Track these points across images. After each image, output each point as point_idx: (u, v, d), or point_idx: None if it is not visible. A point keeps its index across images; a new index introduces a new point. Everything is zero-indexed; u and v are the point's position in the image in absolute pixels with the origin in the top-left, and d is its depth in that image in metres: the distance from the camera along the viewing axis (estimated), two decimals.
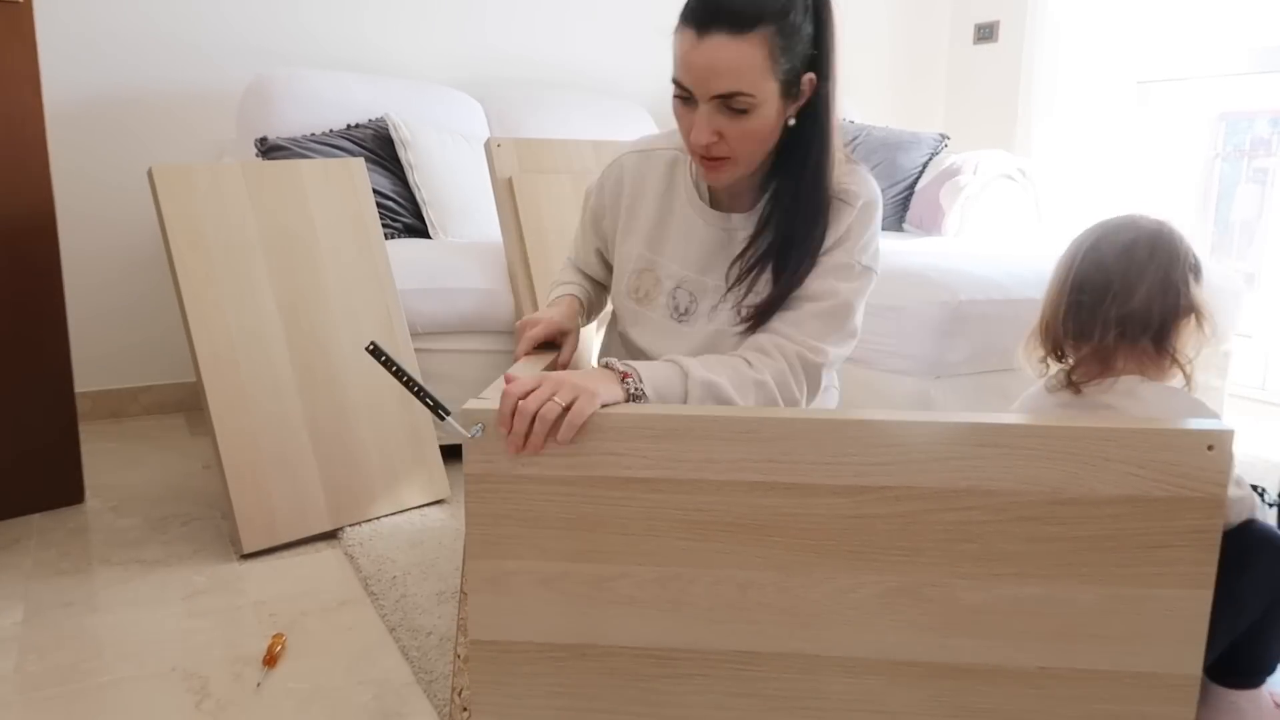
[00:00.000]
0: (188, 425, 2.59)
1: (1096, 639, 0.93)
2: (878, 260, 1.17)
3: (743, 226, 1.17)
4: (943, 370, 1.92)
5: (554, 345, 1.24)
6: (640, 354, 1.25)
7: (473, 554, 0.96)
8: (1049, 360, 1.20)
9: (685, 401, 1.02)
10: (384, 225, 2.32)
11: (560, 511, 0.94)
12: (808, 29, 1.04)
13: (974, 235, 2.89)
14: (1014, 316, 1.90)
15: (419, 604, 1.52)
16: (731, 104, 1.03)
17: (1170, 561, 0.91)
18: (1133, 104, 3.26)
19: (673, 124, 1.15)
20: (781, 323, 1.12)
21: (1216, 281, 1.19)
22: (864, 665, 0.96)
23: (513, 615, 0.97)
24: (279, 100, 2.47)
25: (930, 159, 3.14)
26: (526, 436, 0.91)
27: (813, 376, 1.12)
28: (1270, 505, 1.29)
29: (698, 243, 1.20)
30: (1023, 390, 1.28)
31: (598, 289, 1.39)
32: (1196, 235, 3.12)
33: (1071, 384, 1.14)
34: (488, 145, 2.21)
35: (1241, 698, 1.15)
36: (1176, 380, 1.14)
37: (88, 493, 2.03)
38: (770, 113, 1.05)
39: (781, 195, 1.13)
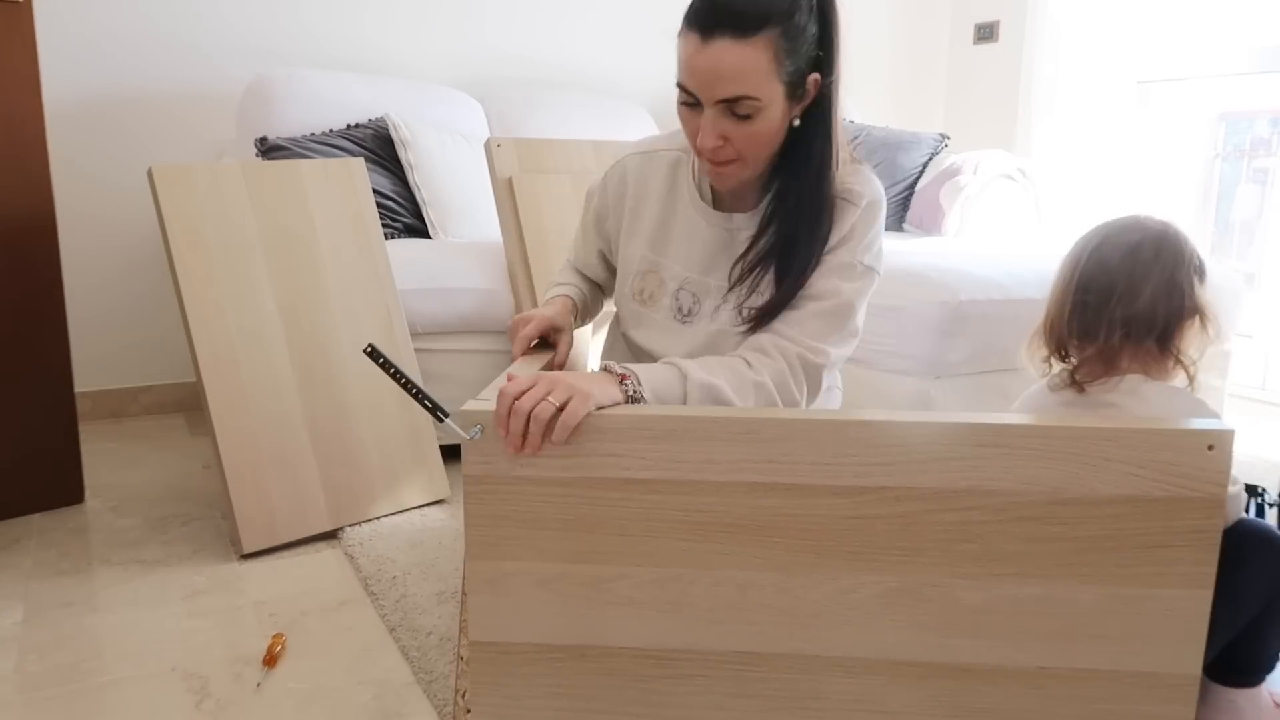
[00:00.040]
0: (188, 425, 2.59)
1: (1096, 639, 0.93)
2: (880, 260, 1.17)
3: (745, 226, 1.17)
4: (943, 370, 1.92)
5: (549, 344, 1.24)
6: (643, 355, 1.25)
7: (472, 555, 0.96)
8: (1052, 360, 1.20)
9: (684, 404, 1.02)
10: (384, 225, 2.32)
11: (559, 512, 0.94)
12: (813, 29, 1.04)
13: (974, 235, 2.89)
14: (1014, 316, 1.90)
15: (419, 604, 1.52)
16: (737, 108, 1.03)
17: (1170, 561, 0.91)
18: (1133, 104, 3.26)
19: (674, 124, 1.15)
20: (783, 323, 1.12)
21: (1217, 281, 1.19)
22: (864, 665, 0.96)
23: (512, 616, 0.97)
24: (279, 100, 2.47)
25: (930, 159, 3.14)
26: (524, 436, 0.91)
27: (813, 377, 1.12)
28: (1270, 505, 1.29)
29: (700, 243, 1.20)
30: (1023, 390, 1.28)
31: (594, 291, 1.39)
32: (1197, 235, 3.12)
33: (1075, 383, 1.14)
34: (488, 145, 2.21)
35: (1240, 696, 1.15)
36: (1180, 380, 1.14)
37: (88, 493, 2.03)
38: (775, 115, 1.05)
39: (784, 195, 1.12)
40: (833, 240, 1.13)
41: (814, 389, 1.13)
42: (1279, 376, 2.94)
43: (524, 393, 0.91)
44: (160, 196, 1.77)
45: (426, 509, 1.93)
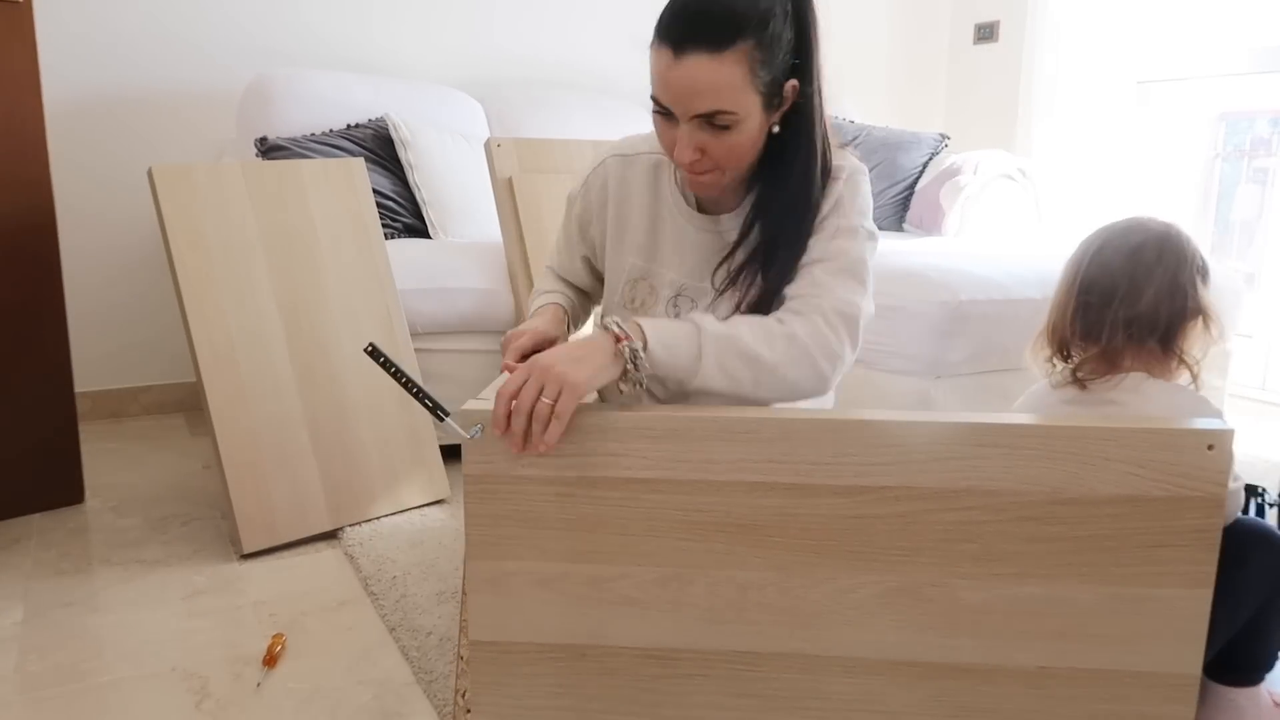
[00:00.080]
0: (188, 425, 2.59)
1: (1096, 639, 0.93)
2: (875, 229, 1.14)
3: (733, 227, 1.15)
4: (943, 370, 1.92)
5: None
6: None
7: (472, 555, 0.96)
8: (1055, 360, 1.21)
9: (700, 359, 0.99)
10: (384, 225, 2.32)
11: (560, 512, 0.94)
12: (788, 36, 1.02)
13: (974, 235, 2.89)
14: (1014, 316, 1.90)
15: (419, 604, 1.52)
16: (713, 121, 1.01)
17: (1170, 561, 0.91)
18: (1133, 104, 3.26)
19: None
20: (800, 286, 1.07)
21: (1217, 281, 1.19)
22: (864, 665, 0.96)
23: (512, 616, 0.97)
24: (279, 100, 2.47)
25: (930, 159, 3.14)
26: (525, 435, 0.90)
27: (851, 329, 1.06)
28: (1270, 505, 1.29)
29: (691, 248, 1.18)
30: (1023, 390, 1.28)
31: (581, 297, 1.36)
32: (1197, 235, 3.12)
33: (1077, 380, 1.14)
34: (488, 145, 2.21)
35: (1240, 696, 1.15)
36: (1183, 380, 1.14)
37: (88, 493, 2.03)
38: (753, 126, 1.04)
39: (766, 200, 1.11)
40: (823, 211, 1.10)
41: (854, 341, 1.07)
42: (1279, 376, 2.94)
43: (519, 389, 0.90)
44: (160, 196, 1.77)
45: (426, 509, 1.93)
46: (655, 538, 0.94)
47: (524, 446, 0.91)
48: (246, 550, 1.71)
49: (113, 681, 1.32)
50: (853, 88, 3.56)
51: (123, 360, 2.65)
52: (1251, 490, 1.28)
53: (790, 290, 1.07)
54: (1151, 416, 1.09)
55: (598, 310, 1.38)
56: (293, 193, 1.92)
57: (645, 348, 0.97)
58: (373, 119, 2.54)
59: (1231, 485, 1.07)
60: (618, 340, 0.96)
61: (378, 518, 1.88)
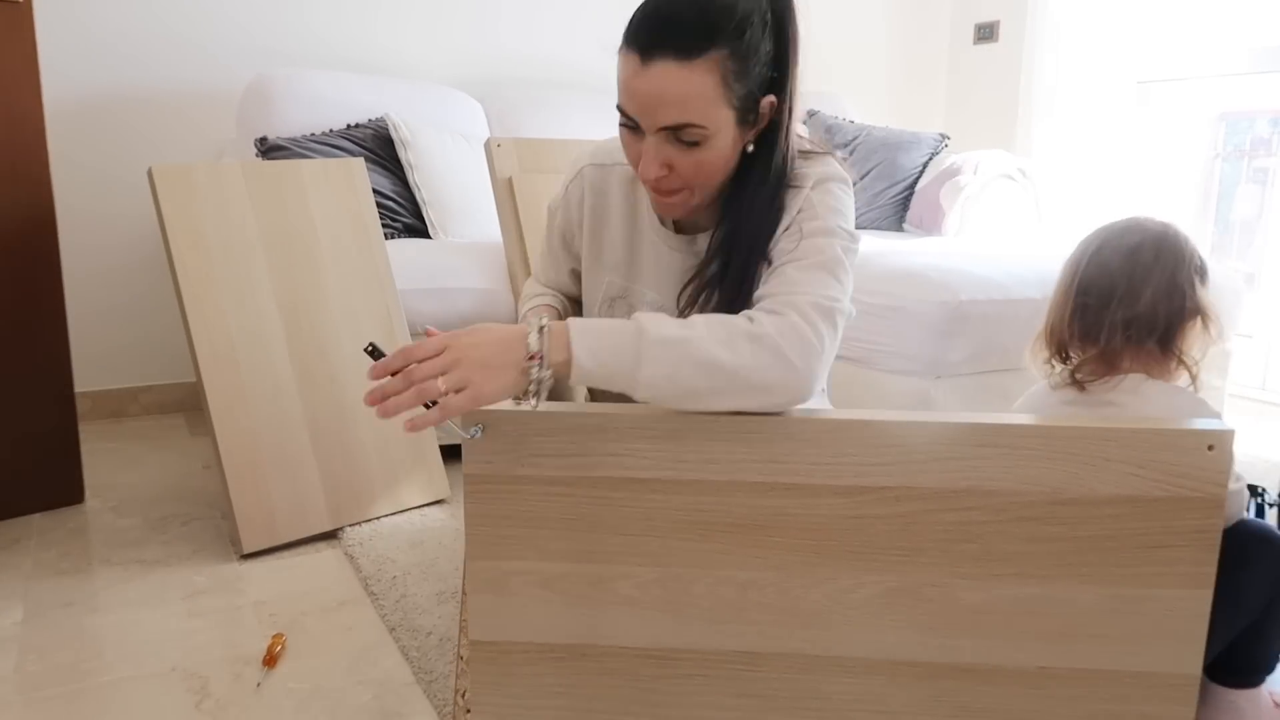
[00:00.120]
0: (188, 425, 2.59)
1: (1096, 639, 0.93)
2: (855, 231, 1.03)
3: (709, 238, 1.09)
4: (943, 370, 1.92)
5: None
6: (615, 398, 1.17)
7: (472, 555, 0.96)
8: (1054, 362, 1.21)
9: (638, 368, 0.87)
10: (384, 225, 2.32)
11: (560, 512, 0.94)
12: (767, 47, 0.95)
13: (974, 235, 2.89)
14: (1014, 316, 1.90)
15: (419, 604, 1.52)
16: (681, 135, 0.95)
17: (1170, 561, 0.91)
18: (1133, 104, 3.26)
19: None
20: (772, 286, 0.97)
21: (1217, 281, 1.19)
22: (864, 665, 0.96)
23: (513, 616, 0.97)
24: (279, 100, 2.47)
25: (930, 159, 3.14)
26: (391, 396, 0.84)
27: (829, 320, 0.93)
28: (1271, 505, 1.29)
29: (667, 269, 1.13)
30: (1023, 390, 1.28)
31: (573, 306, 1.31)
32: (1197, 235, 3.12)
33: (1076, 382, 1.14)
34: (488, 145, 2.21)
35: (1241, 697, 1.15)
36: (1183, 381, 1.14)
37: (88, 493, 2.03)
38: (725, 143, 0.97)
39: (735, 223, 1.03)
40: (787, 220, 1.01)
41: (833, 332, 0.94)
42: (1279, 376, 2.94)
43: (425, 360, 0.85)
44: (160, 196, 1.77)
45: (426, 509, 1.93)
46: (655, 537, 0.94)
47: (386, 410, 0.84)
48: (246, 550, 1.71)
49: (113, 681, 1.32)
50: (853, 88, 3.56)
51: (123, 360, 2.65)
52: (1252, 490, 1.28)
53: (761, 290, 0.98)
54: (1152, 417, 1.09)
55: None
56: (293, 193, 1.92)
57: (568, 361, 0.88)
58: (373, 119, 2.54)
59: (1233, 486, 1.08)
60: (531, 357, 0.87)
61: (378, 518, 1.87)
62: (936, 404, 1.91)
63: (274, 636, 1.40)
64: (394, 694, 1.28)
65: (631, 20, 0.96)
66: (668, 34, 0.92)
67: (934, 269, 1.96)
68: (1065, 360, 1.19)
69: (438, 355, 0.85)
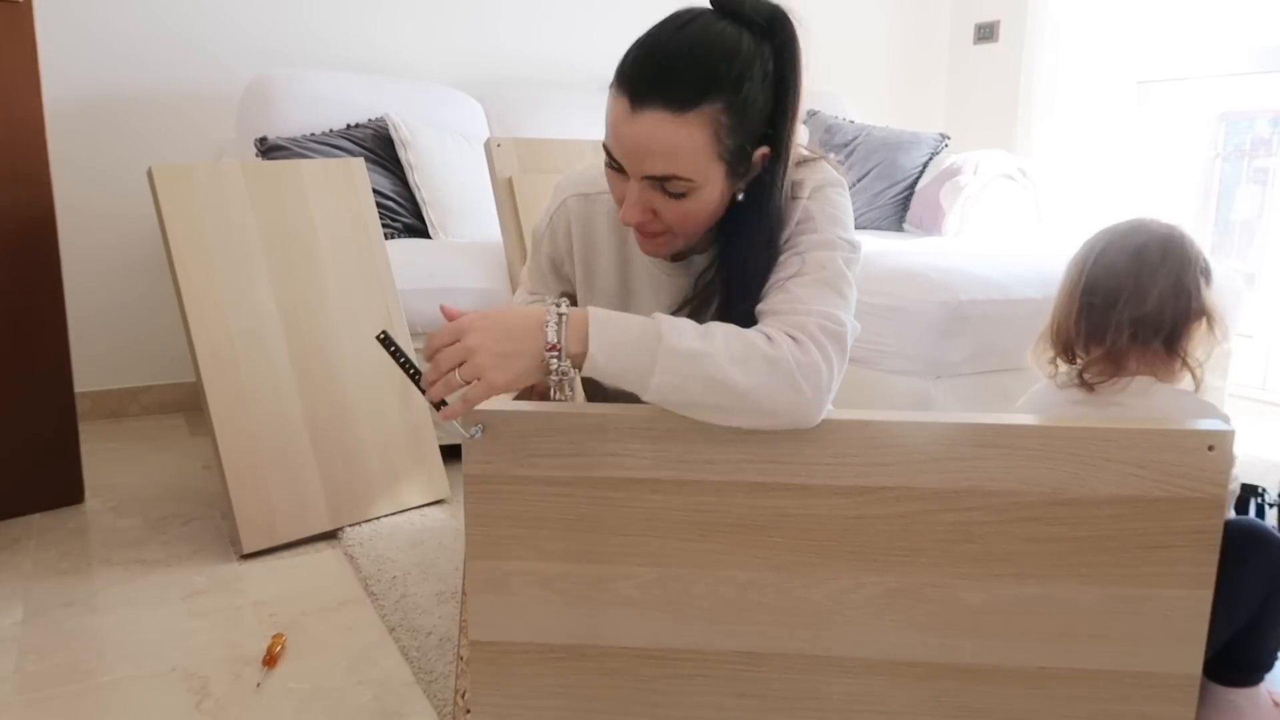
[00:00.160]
0: (188, 425, 2.59)
1: (1096, 639, 0.93)
2: (855, 238, 1.02)
3: (706, 260, 1.08)
4: (943, 370, 1.92)
5: None
6: (615, 398, 1.16)
7: (473, 555, 0.96)
8: (1058, 361, 1.21)
9: (651, 374, 0.86)
10: (384, 225, 2.32)
11: (560, 512, 0.94)
12: (765, 100, 0.91)
13: (974, 235, 2.89)
14: (1014, 316, 1.90)
15: (419, 604, 1.52)
16: (667, 186, 0.92)
17: (1170, 562, 0.91)
18: (1133, 104, 3.26)
19: None
20: (777, 303, 0.94)
21: (1217, 281, 1.19)
22: (864, 665, 0.96)
23: (513, 616, 0.97)
24: (279, 100, 2.47)
25: (930, 159, 3.14)
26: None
27: (840, 348, 0.91)
28: (1270, 505, 1.29)
29: (667, 293, 1.11)
30: (1023, 390, 1.28)
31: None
32: (1197, 235, 3.12)
33: (1084, 382, 1.15)
34: (488, 145, 2.21)
35: (1240, 696, 1.15)
36: (1186, 382, 1.14)
37: (88, 493, 2.03)
38: (712, 195, 0.94)
39: (732, 267, 1.01)
40: (787, 231, 0.99)
41: (842, 362, 0.92)
42: (1279, 376, 2.94)
43: (446, 346, 0.86)
44: (160, 196, 1.77)
45: (426, 509, 1.93)
46: (655, 538, 0.94)
47: (434, 394, 0.88)
48: (246, 550, 1.71)
49: (113, 681, 1.32)
50: (853, 88, 3.56)
51: (123, 360, 2.65)
52: (1252, 490, 1.28)
53: (765, 306, 0.95)
54: (1153, 418, 1.09)
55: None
56: (293, 193, 1.92)
57: (583, 354, 0.87)
58: (373, 119, 2.54)
59: (1231, 485, 1.08)
60: (551, 348, 0.86)
61: (378, 518, 1.87)
62: (936, 404, 1.91)
63: (274, 636, 1.40)
64: (394, 694, 1.28)
65: (626, 58, 0.91)
66: (662, 82, 0.88)
67: (934, 269, 1.96)
68: (1071, 360, 1.19)
69: (454, 343, 0.86)
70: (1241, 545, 1.07)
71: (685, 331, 0.88)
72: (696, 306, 1.04)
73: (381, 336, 0.94)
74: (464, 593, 1.06)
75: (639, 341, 0.87)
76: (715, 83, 0.88)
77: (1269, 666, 1.16)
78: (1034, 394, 1.25)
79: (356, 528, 1.82)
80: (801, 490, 0.92)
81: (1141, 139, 3.26)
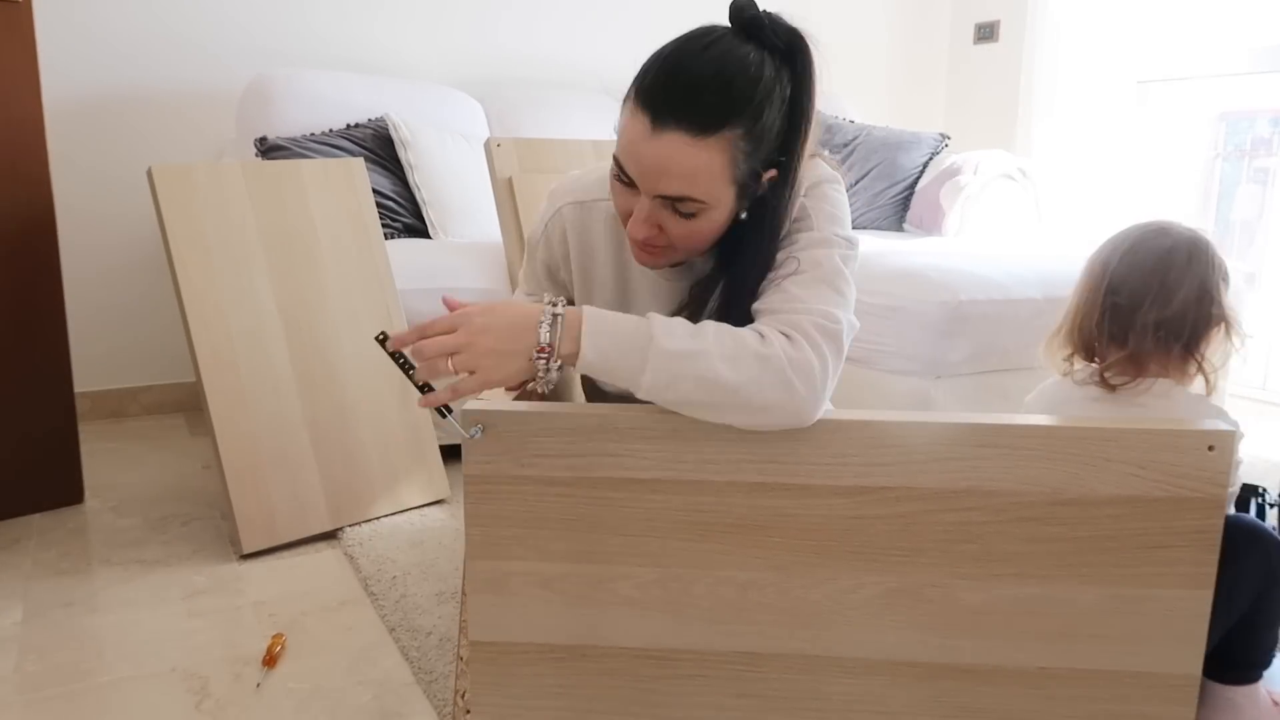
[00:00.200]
0: (188, 425, 2.59)
1: (1096, 639, 0.93)
2: (852, 235, 1.02)
3: (705, 264, 1.08)
4: (943, 370, 1.92)
5: None
6: (615, 398, 1.14)
7: (473, 555, 0.96)
8: (1075, 359, 1.21)
9: (642, 373, 0.87)
10: (384, 225, 2.32)
11: (560, 512, 0.94)
12: (779, 125, 0.92)
13: (974, 235, 2.89)
14: (1014, 316, 1.90)
15: (419, 604, 1.52)
16: (679, 207, 0.92)
17: (1170, 562, 0.91)
18: (1133, 104, 3.26)
19: None
20: (774, 301, 0.95)
21: None
22: (864, 666, 0.96)
23: (513, 616, 0.97)
24: (279, 100, 2.47)
25: (930, 159, 3.14)
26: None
27: (835, 347, 0.91)
28: (1270, 505, 1.29)
29: (667, 297, 1.11)
30: (1023, 390, 1.28)
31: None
32: None
33: (1104, 382, 1.15)
34: (488, 145, 2.21)
35: (1239, 694, 1.15)
36: (1198, 385, 1.15)
37: (87, 493, 2.03)
38: (721, 215, 0.94)
39: (731, 276, 1.01)
40: (783, 230, 0.99)
41: (837, 362, 0.92)
42: (1279, 376, 2.94)
43: (437, 336, 0.87)
44: (160, 196, 1.77)
45: (426, 509, 1.93)
46: (655, 538, 0.94)
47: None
48: (246, 550, 1.71)
49: (113, 681, 1.32)
50: (853, 88, 3.56)
51: (123, 360, 2.65)
52: (1252, 490, 1.28)
53: (762, 304, 0.96)
54: (1152, 418, 1.09)
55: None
56: (293, 193, 1.92)
57: (576, 354, 0.88)
58: (373, 119, 2.54)
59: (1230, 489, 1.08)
60: (540, 351, 0.87)
61: (378, 518, 1.87)
62: (936, 404, 1.91)
63: (274, 636, 1.40)
64: (394, 694, 1.28)
65: (646, 75, 0.91)
66: (685, 106, 0.88)
67: (934, 269, 1.96)
68: (1091, 359, 1.19)
69: (450, 333, 0.87)
70: (1236, 541, 1.07)
71: (677, 331, 0.89)
72: (694, 311, 1.04)
73: (380, 337, 0.94)
74: (464, 593, 1.06)
75: (631, 341, 0.88)
76: (737, 109, 0.88)
77: (1266, 664, 1.16)
78: (1046, 389, 1.25)
79: (356, 528, 1.82)
80: (801, 490, 0.92)
81: (1142, 139, 3.26)
